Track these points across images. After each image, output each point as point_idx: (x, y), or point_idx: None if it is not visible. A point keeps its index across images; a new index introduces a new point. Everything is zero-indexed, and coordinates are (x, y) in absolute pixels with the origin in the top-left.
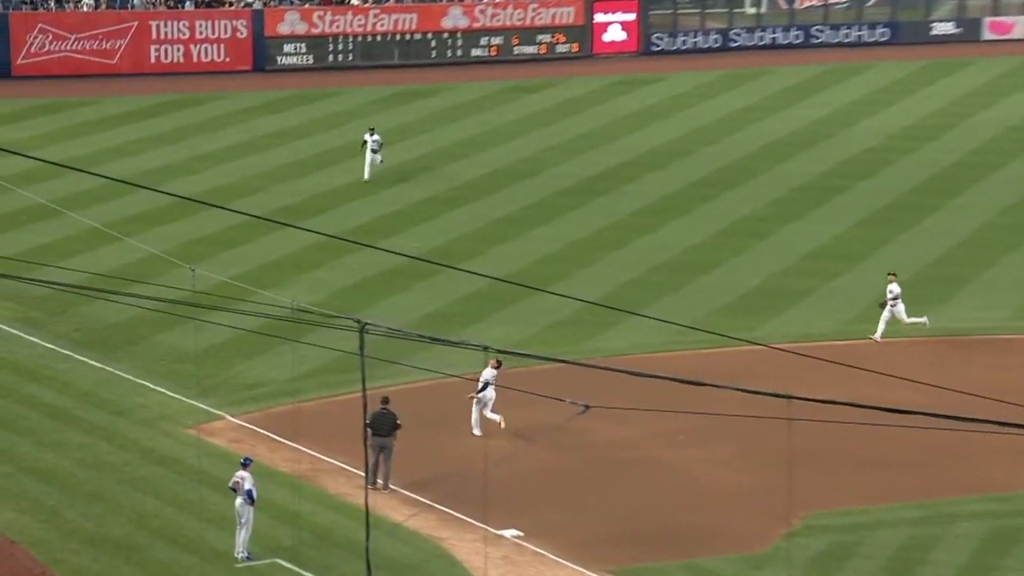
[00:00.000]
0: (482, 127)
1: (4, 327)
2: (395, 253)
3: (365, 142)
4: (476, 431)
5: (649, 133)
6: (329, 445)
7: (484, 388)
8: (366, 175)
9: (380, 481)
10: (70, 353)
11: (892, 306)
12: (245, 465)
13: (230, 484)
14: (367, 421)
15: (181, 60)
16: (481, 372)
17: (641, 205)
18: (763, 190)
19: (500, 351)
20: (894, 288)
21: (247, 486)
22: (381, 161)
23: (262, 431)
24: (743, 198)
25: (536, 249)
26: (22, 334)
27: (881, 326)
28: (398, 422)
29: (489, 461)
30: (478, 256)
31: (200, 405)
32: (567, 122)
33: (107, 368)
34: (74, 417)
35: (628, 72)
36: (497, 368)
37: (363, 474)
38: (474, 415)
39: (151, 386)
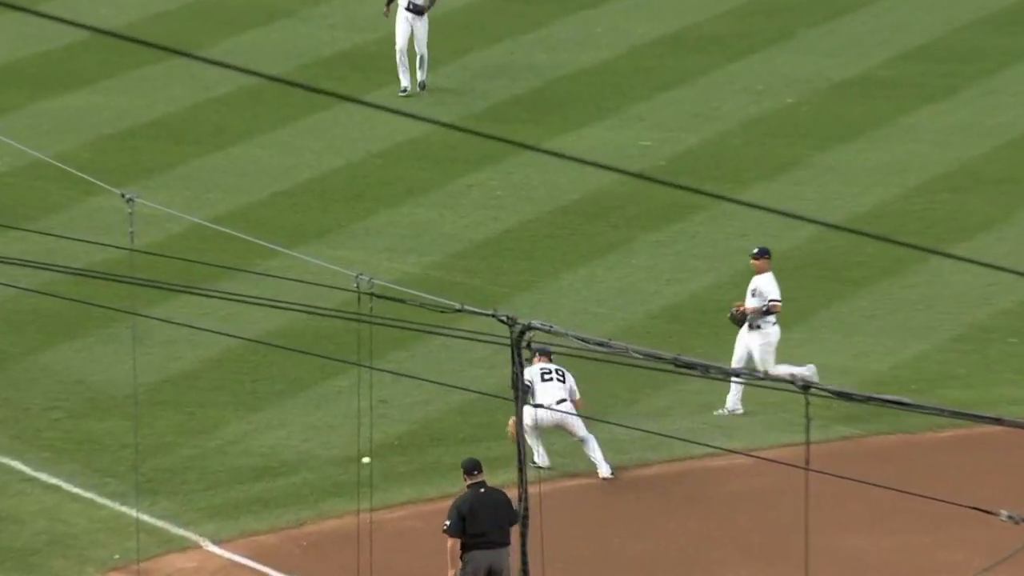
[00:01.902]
0: None
1: None
2: (598, 166)
3: None
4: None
5: None
6: None
7: (528, 393)
8: (402, 80)
9: None
10: None
11: (755, 327)
12: None
13: None
14: (454, 517)
15: None
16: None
17: None
18: None
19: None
20: (758, 295)
21: None
22: (423, 83)
23: None
24: None
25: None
26: None
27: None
28: (515, 509)
29: None
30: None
31: (144, 517)
32: None
33: None
34: None
35: None
36: (547, 364)
37: None
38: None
39: (29, 472)
